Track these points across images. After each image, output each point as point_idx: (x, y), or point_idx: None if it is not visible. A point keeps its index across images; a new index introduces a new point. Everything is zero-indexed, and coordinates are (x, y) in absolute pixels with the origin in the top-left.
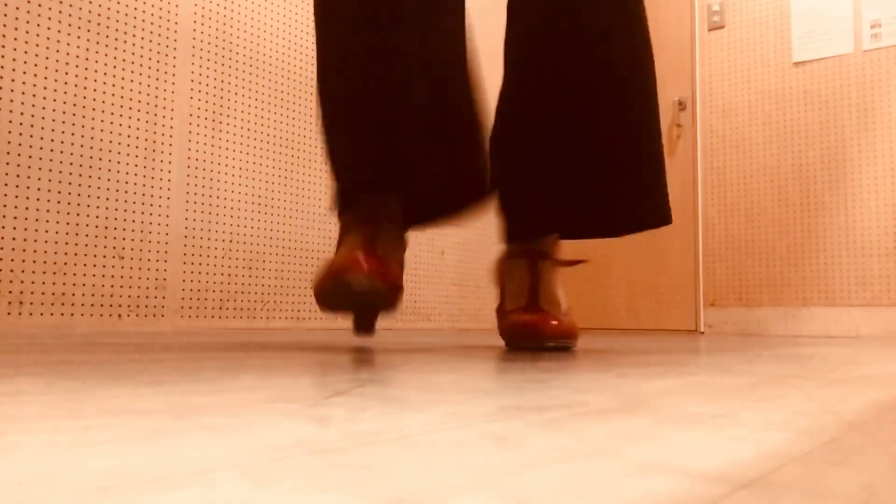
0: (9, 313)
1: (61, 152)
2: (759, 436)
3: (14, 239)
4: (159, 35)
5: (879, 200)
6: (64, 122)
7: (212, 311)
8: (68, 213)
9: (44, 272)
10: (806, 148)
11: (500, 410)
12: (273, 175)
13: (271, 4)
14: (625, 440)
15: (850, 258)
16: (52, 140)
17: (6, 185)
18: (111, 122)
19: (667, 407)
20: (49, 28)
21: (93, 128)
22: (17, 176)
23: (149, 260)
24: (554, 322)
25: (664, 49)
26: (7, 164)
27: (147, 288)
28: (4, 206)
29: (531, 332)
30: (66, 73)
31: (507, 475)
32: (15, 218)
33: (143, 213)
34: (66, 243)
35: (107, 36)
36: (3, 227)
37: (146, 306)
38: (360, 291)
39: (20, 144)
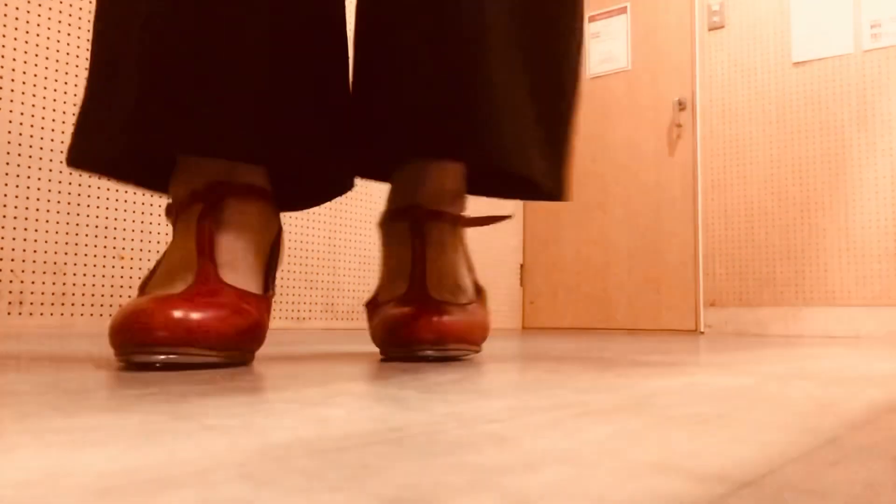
0: (9, 313)
1: (61, 152)
2: (759, 436)
3: (14, 239)
4: None
5: (879, 200)
6: (64, 123)
7: None
8: (68, 213)
9: (44, 272)
10: (806, 148)
11: (500, 410)
12: None
13: None
14: (625, 440)
15: (850, 258)
16: (52, 140)
17: (6, 185)
18: None
19: (667, 407)
20: (49, 28)
21: None
22: (17, 176)
23: (149, 260)
24: (437, 318)
25: (664, 49)
26: (7, 164)
27: None
28: (4, 206)
29: (402, 333)
30: (66, 73)
31: (507, 475)
32: (15, 218)
33: (142, 213)
34: (66, 243)
35: None
36: (3, 227)
37: None
38: (164, 363)
39: (20, 144)
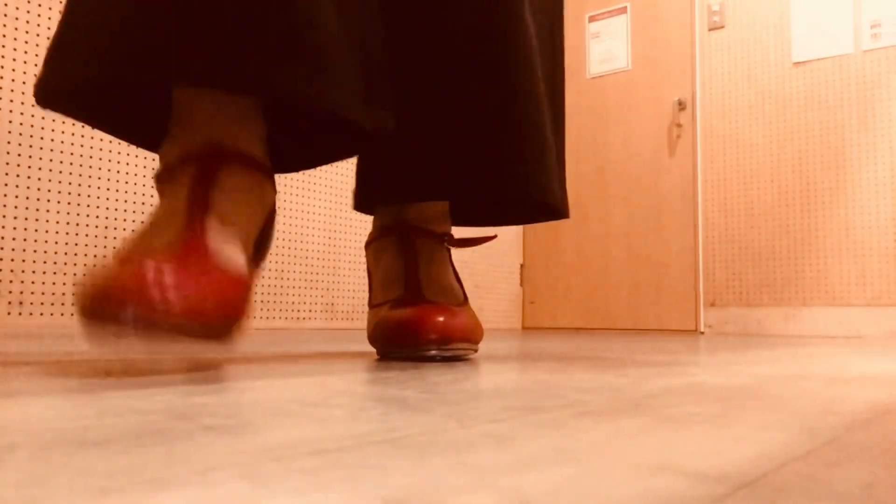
0: (9, 313)
1: (61, 152)
2: (759, 436)
3: (14, 239)
4: None
5: (879, 200)
6: (64, 122)
7: None
8: (68, 213)
9: (44, 272)
10: (806, 148)
11: (500, 410)
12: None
13: None
14: (625, 440)
15: (850, 258)
16: (52, 140)
17: (6, 185)
18: None
19: (667, 407)
20: (49, 28)
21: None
22: (17, 176)
23: None
24: (441, 318)
25: (664, 49)
26: (7, 164)
27: None
28: (4, 206)
29: (407, 334)
30: None
31: (507, 475)
32: (15, 218)
33: (143, 213)
34: (66, 243)
35: None
36: (4, 227)
37: None
38: (139, 336)
39: (20, 144)
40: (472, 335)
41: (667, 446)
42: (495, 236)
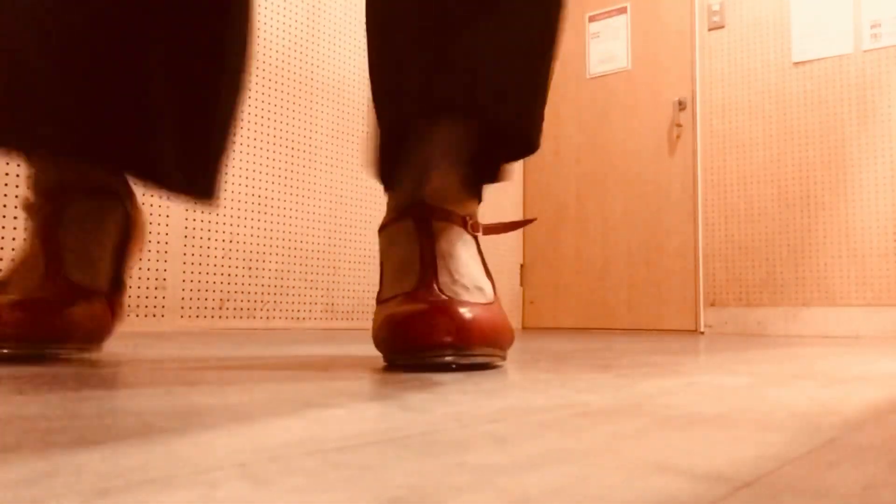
0: None
1: None
2: (758, 436)
3: (14, 239)
4: None
5: (879, 200)
6: None
7: (211, 311)
8: None
9: None
10: (806, 148)
11: (500, 410)
12: (273, 175)
13: (270, 4)
14: (625, 440)
15: (850, 258)
16: None
17: (6, 185)
18: None
19: (667, 407)
20: None
21: None
22: (17, 176)
23: (149, 260)
24: (457, 315)
25: (664, 49)
26: (7, 163)
27: (147, 288)
28: (5, 206)
29: (416, 335)
30: None
31: (507, 475)
32: (15, 218)
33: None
34: None
35: None
36: (4, 228)
37: (146, 306)
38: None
39: None
40: (498, 338)
41: (667, 446)
42: (532, 220)
